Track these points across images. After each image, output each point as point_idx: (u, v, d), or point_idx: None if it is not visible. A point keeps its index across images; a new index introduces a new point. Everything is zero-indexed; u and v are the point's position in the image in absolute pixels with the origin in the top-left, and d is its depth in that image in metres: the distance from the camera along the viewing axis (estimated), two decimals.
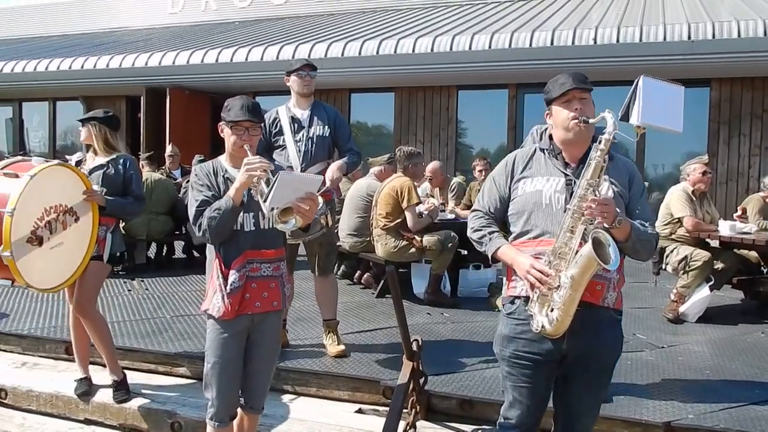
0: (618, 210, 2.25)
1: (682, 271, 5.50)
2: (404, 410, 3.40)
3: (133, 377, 4.20)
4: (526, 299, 2.35)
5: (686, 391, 3.90)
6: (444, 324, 5.36)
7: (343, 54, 10.07)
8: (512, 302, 2.44)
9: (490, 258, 2.50)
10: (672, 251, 5.61)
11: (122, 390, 3.97)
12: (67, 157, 4.18)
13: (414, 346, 3.45)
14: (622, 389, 3.87)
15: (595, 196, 2.20)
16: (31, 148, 14.46)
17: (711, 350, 4.76)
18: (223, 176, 2.84)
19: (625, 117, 3.61)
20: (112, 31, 15.80)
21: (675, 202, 5.68)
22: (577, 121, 2.33)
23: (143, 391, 4.08)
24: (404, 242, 5.93)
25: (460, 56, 9.56)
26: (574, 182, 2.33)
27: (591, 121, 2.34)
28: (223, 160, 2.91)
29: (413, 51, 9.70)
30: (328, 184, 4.22)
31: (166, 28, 15.18)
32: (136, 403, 3.92)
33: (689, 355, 4.63)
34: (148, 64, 11.30)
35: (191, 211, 2.76)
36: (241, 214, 2.74)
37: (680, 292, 5.53)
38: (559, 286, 2.22)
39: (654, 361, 4.48)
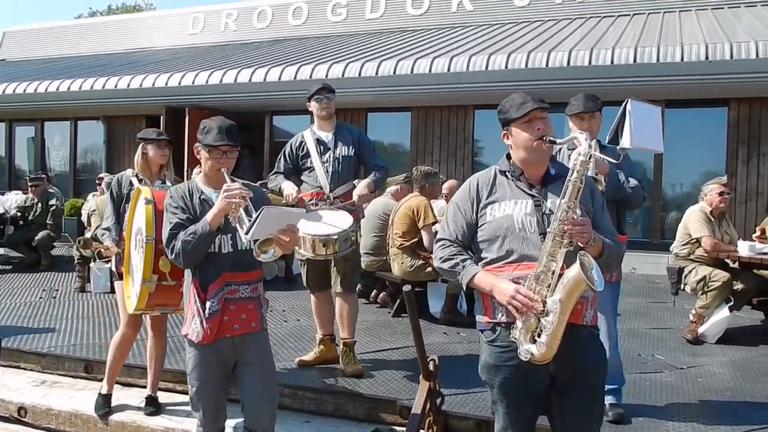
0: (591, 229, 2.26)
1: (701, 292, 5.45)
2: (421, 430, 3.39)
3: None
4: (507, 325, 2.32)
5: (706, 413, 3.86)
6: (460, 343, 5.34)
7: (360, 74, 10.16)
8: (492, 329, 2.39)
9: (464, 287, 2.44)
10: (691, 272, 5.57)
11: (156, 405, 4.05)
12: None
13: (431, 366, 3.45)
14: (641, 411, 3.83)
15: (574, 218, 2.20)
16: (52, 167, 14.68)
17: (731, 372, 4.70)
18: (199, 197, 2.83)
19: (615, 140, 3.61)
20: (133, 51, 16.09)
21: (693, 223, 5.65)
22: (541, 141, 2.31)
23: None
24: (420, 261, 5.94)
25: (477, 76, 9.60)
26: (542, 203, 2.33)
27: (559, 141, 2.34)
28: (198, 181, 2.91)
29: (430, 71, 9.76)
30: (356, 201, 4.32)
31: (186, 48, 15.44)
32: (153, 421, 3.95)
33: (709, 377, 4.57)
34: (168, 84, 11.48)
35: (164, 234, 2.75)
36: (219, 236, 2.74)
37: (699, 313, 5.48)
38: (544, 311, 2.20)
39: (673, 382, 4.43)
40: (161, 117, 12.46)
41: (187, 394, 4.35)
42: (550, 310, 2.19)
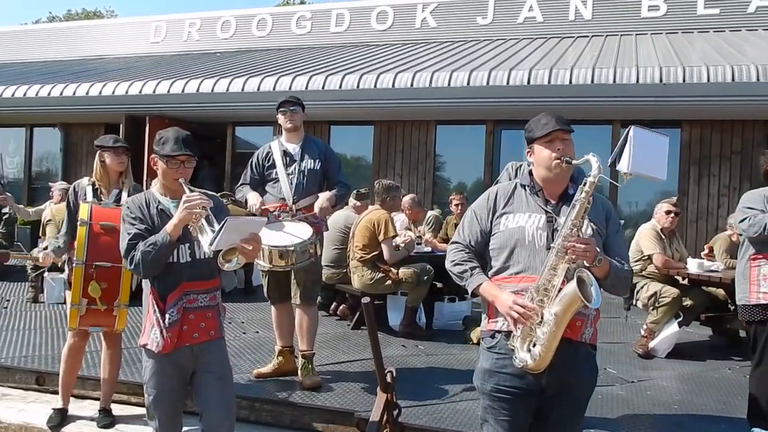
0: (598, 249, 2.32)
1: (651, 307, 5.61)
2: None
3: None
4: (507, 333, 2.39)
5: (655, 426, 3.97)
6: (419, 356, 5.38)
7: (323, 87, 10.20)
8: (492, 336, 2.47)
9: (470, 293, 2.54)
10: (642, 287, 5.73)
11: (110, 418, 3.99)
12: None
13: (388, 378, 3.47)
14: (593, 423, 3.92)
15: (579, 236, 2.28)
16: (6, 175, 14.29)
17: (679, 385, 4.84)
18: (157, 207, 2.84)
19: (614, 164, 3.74)
20: (93, 58, 15.82)
21: (644, 240, 5.83)
22: (559, 161, 2.40)
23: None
24: (380, 274, 5.98)
25: (439, 92, 9.73)
26: (555, 219, 2.41)
27: (574, 162, 2.41)
28: (155, 191, 2.91)
29: (393, 86, 9.85)
30: (317, 213, 4.33)
31: (147, 56, 15.25)
32: None
33: (658, 390, 4.70)
34: (128, 92, 11.31)
35: (123, 245, 2.75)
36: (177, 245, 2.74)
37: (650, 328, 5.63)
38: (541, 321, 2.27)
39: (624, 395, 4.54)
40: (121, 125, 12.27)
41: (142, 406, 4.30)
42: (546, 322, 2.26)
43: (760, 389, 3.74)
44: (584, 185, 2.32)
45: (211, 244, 2.59)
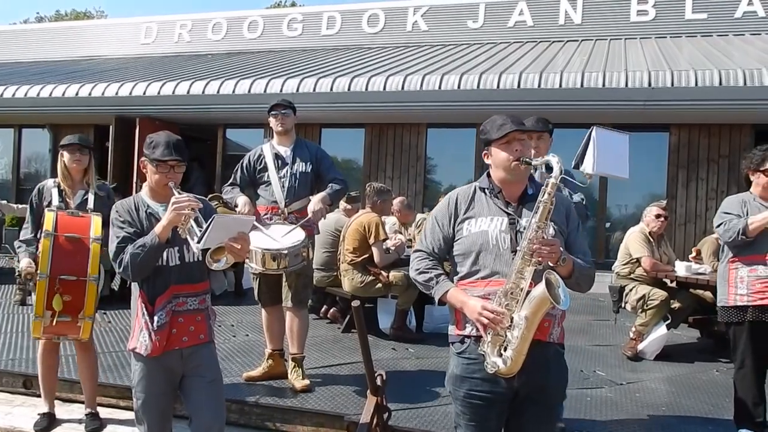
0: (561, 249, 2.33)
1: (640, 310, 5.65)
2: None
3: None
4: (477, 339, 2.39)
5: (643, 428, 4.00)
6: (409, 359, 5.39)
7: (314, 89, 10.21)
8: (462, 341, 2.47)
9: (437, 301, 2.52)
10: (631, 290, 5.77)
11: (98, 421, 3.96)
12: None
13: (378, 381, 3.47)
14: (582, 425, 3.95)
15: (543, 238, 2.28)
16: None
17: (668, 387, 4.88)
18: (146, 211, 2.83)
19: (578, 165, 3.76)
20: (83, 59, 15.75)
21: (633, 243, 5.87)
22: (518, 162, 2.40)
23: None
24: (371, 277, 5.98)
25: (430, 95, 9.77)
26: (517, 221, 2.41)
27: (534, 162, 2.42)
28: (144, 195, 2.91)
29: (384, 88, 9.88)
30: (310, 216, 4.33)
31: (138, 57, 15.20)
32: None
33: (647, 392, 4.73)
34: (118, 93, 11.28)
35: (111, 248, 2.74)
36: (166, 249, 2.74)
37: (639, 330, 5.67)
38: (511, 325, 2.27)
39: (613, 397, 4.57)
40: (110, 127, 12.23)
41: (131, 410, 4.29)
42: (516, 325, 2.26)
43: (744, 391, 3.78)
44: (546, 186, 2.32)
45: (198, 242, 2.59)
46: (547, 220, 2.31)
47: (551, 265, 2.31)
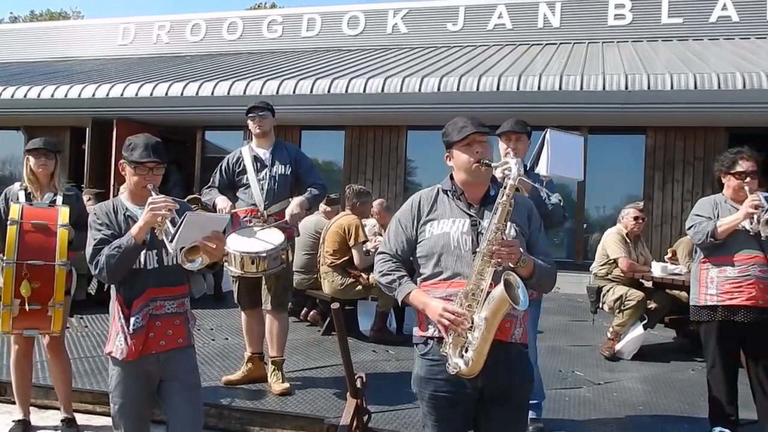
0: (522, 249, 2.35)
1: (617, 310, 5.72)
2: None
3: None
4: (439, 340, 2.40)
5: (620, 427, 4.05)
6: (389, 361, 5.40)
7: (294, 91, 10.18)
8: (425, 343, 2.48)
9: (400, 302, 2.54)
10: (608, 291, 5.83)
11: (74, 428, 3.91)
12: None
13: (358, 383, 3.48)
14: (561, 425, 3.99)
15: (502, 238, 2.30)
16: None
17: (644, 387, 4.94)
18: (124, 214, 2.82)
19: (533, 167, 3.80)
20: (59, 60, 15.55)
21: (610, 244, 5.94)
22: (479, 164, 2.42)
23: None
24: (351, 280, 5.99)
25: (410, 97, 9.79)
26: (479, 223, 2.42)
27: (493, 164, 2.44)
28: (123, 198, 2.90)
29: (364, 90, 9.89)
30: (288, 219, 4.32)
31: (115, 59, 15.04)
32: None
33: (624, 392, 4.79)
34: (95, 95, 11.15)
35: (88, 250, 2.72)
36: (144, 251, 2.72)
37: (616, 330, 5.73)
38: (472, 326, 2.28)
39: (591, 397, 4.62)
40: (87, 129, 12.08)
41: (108, 415, 4.24)
42: (477, 326, 2.26)
43: (717, 389, 3.84)
44: (505, 188, 2.34)
45: (171, 241, 2.57)
46: (506, 222, 2.32)
47: (511, 266, 2.32)
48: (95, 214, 2.82)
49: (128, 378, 2.75)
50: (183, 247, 2.57)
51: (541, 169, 3.55)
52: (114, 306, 2.78)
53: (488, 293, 2.28)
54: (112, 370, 2.80)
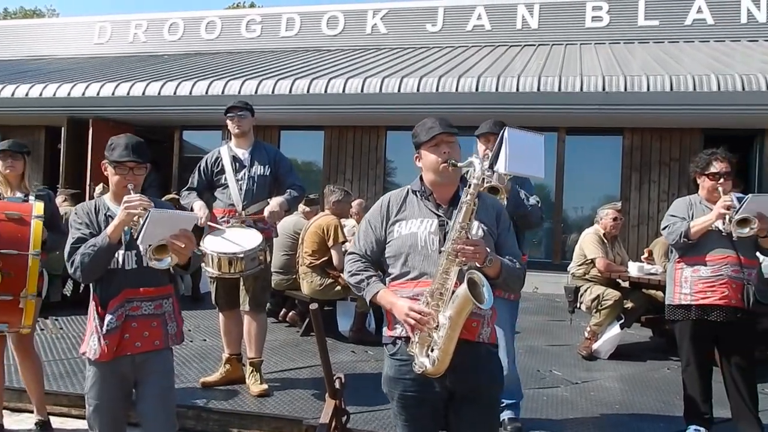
0: (488, 249, 2.36)
1: (594, 310, 5.77)
2: None
3: None
4: (407, 339, 2.41)
5: (597, 426, 4.09)
6: (368, 362, 5.39)
7: (273, 91, 10.12)
8: (394, 343, 2.49)
9: (368, 302, 2.55)
10: (586, 291, 5.88)
11: (49, 430, 3.86)
12: None
13: (337, 384, 3.47)
14: (538, 425, 4.01)
15: (467, 237, 2.31)
16: None
17: (621, 386, 4.99)
18: (105, 214, 2.81)
19: (492, 165, 3.81)
20: (34, 59, 15.30)
21: (587, 244, 5.99)
22: (446, 164, 2.44)
23: None
24: (330, 280, 5.97)
25: (390, 98, 9.79)
26: (447, 223, 2.43)
27: (459, 164, 2.46)
28: (106, 198, 2.90)
29: (344, 91, 9.86)
30: (267, 219, 4.30)
31: (91, 58, 14.85)
32: None
33: (601, 391, 4.83)
34: (71, 94, 10.97)
35: (66, 248, 2.71)
36: (123, 252, 2.71)
37: (593, 330, 5.79)
38: (437, 326, 2.29)
39: (568, 396, 4.65)
40: (62, 128, 11.90)
41: (83, 418, 4.19)
42: (442, 326, 2.27)
43: (692, 388, 3.89)
44: (468, 187, 2.36)
45: (136, 238, 2.54)
46: (470, 221, 2.34)
47: (478, 265, 2.33)
48: (76, 213, 2.82)
49: (103, 379, 2.72)
50: (150, 245, 2.55)
51: (500, 167, 3.56)
52: (90, 306, 2.75)
53: (453, 292, 2.29)
54: (88, 371, 2.78)
